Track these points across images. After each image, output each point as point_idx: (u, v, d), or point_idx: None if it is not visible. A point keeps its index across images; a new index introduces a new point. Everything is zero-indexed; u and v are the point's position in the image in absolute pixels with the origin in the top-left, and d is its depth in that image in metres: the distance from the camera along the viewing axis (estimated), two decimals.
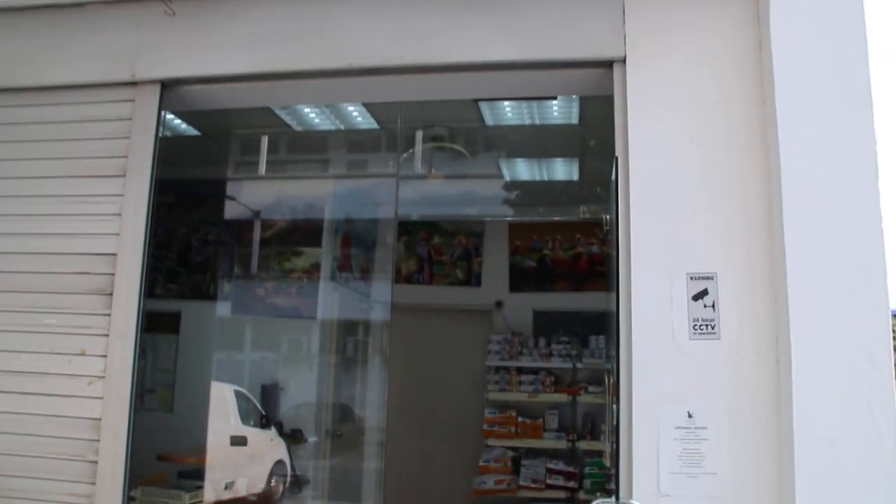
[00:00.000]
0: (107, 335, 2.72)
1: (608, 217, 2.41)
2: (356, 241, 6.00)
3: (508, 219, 6.71)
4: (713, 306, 2.23)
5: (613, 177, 2.38)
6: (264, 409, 5.82)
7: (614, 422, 2.27)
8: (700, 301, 2.24)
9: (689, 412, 2.18)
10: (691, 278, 2.25)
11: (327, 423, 5.50)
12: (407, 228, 6.95)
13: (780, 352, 2.13)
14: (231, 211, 5.91)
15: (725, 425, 2.16)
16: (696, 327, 2.23)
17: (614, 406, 2.22)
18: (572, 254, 6.44)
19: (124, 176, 2.85)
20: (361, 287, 6.43)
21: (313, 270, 5.55)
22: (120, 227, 2.83)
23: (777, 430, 2.12)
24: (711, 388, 2.19)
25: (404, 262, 6.75)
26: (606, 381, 2.18)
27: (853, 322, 2.07)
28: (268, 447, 6.00)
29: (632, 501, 2.02)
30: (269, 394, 5.87)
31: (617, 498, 2.05)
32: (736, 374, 2.18)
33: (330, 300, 5.61)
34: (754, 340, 2.19)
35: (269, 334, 5.96)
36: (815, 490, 2.00)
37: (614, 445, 2.21)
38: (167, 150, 3.02)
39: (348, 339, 6.00)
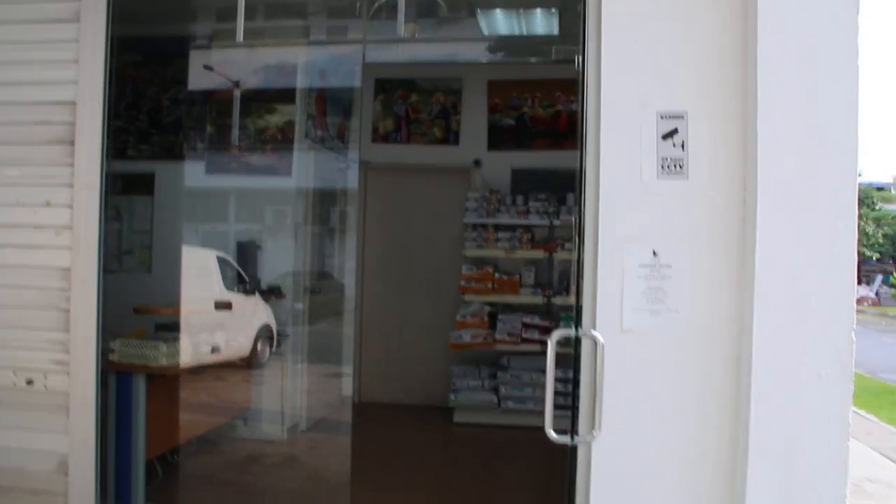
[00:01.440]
0: (71, 186, 2.69)
1: (579, 58, 2.33)
2: (331, 100, 5.86)
3: (488, 78, 6.55)
4: (682, 146, 2.21)
5: (582, 9, 2.29)
6: (243, 269, 5.88)
7: (579, 259, 2.30)
8: (669, 140, 2.22)
9: (654, 251, 2.21)
10: (661, 117, 2.22)
11: (305, 279, 5.56)
12: (384, 87, 6.79)
13: (747, 194, 2.13)
14: (207, 81, 5.71)
15: (689, 264, 2.19)
16: (664, 167, 2.21)
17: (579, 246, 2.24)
18: (552, 111, 6.35)
19: (78, 21, 2.73)
20: (338, 146, 6.35)
21: (288, 128, 5.44)
22: (77, 74, 2.73)
23: (740, 271, 2.16)
24: (677, 228, 2.20)
25: (381, 121, 6.64)
26: (573, 221, 2.17)
27: (821, 165, 2.06)
28: (252, 312, 6.12)
29: (592, 332, 2.07)
30: (247, 252, 5.91)
31: (577, 329, 2.09)
32: (702, 214, 2.19)
33: (305, 158, 5.54)
34: (722, 181, 2.19)
35: (245, 189, 5.92)
36: (772, 326, 2.06)
37: (579, 281, 2.24)
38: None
39: (323, 198, 5.98)
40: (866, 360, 10.71)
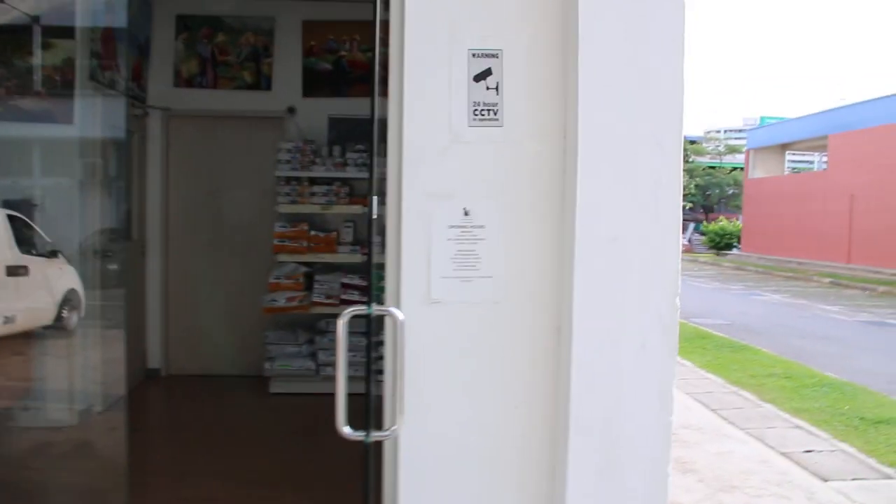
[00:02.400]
0: None
1: None
2: (122, 37, 5.11)
3: (302, 18, 6.02)
4: (497, 88, 1.92)
5: None
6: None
7: (370, 223, 1.96)
8: (482, 82, 1.92)
9: (465, 209, 1.92)
10: (473, 55, 1.91)
11: (94, 241, 4.87)
12: (186, 24, 6.06)
13: (568, 143, 1.88)
14: None
15: (505, 224, 1.92)
16: (476, 112, 1.91)
17: (375, 206, 1.90)
18: (371, 56, 5.93)
19: None
20: (133, 91, 5.59)
21: (67, 68, 4.65)
22: None
23: (560, 230, 1.91)
24: (491, 183, 1.92)
25: (184, 63, 5.93)
26: (369, 176, 1.83)
27: (645, 112, 1.83)
28: (58, 276, 5.33)
29: (391, 309, 1.75)
30: (20, 212, 5.10)
31: (370, 306, 1.77)
32: (519, 166, 1.92)
33: (91, 104, 4.79)
34: (540, 129, 1.93)
35: (18, 133, 5.07)
36: (593, 293, 1.84)
37: (370, 250, 1.91)
38: None
39: (117, 150, 5.25)
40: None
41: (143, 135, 5.69)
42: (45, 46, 5.01)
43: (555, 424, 1.93)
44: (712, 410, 6.02)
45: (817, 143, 29.99)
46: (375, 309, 1.75)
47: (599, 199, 1.83)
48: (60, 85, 4.60)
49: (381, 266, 2.00)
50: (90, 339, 5.10)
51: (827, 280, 21.14)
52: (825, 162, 31.22)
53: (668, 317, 1.84)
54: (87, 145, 4.91)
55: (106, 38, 4.90)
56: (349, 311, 1.67)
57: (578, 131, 1.82)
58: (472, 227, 1.92)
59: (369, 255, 1.75)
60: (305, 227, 5.65)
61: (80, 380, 4.99)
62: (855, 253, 24.50)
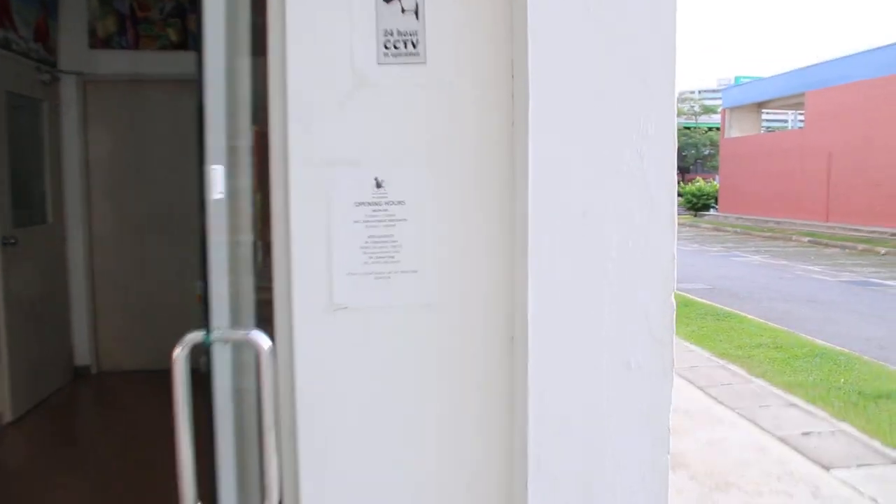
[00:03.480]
0: None
1: None
2: None
3: None
4: (416, 11, 1.36)
5: None
6: None
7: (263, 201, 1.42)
8: (395, 3, 1.36)
9: (377, 179, 1.38)
10: None
11: None
12: None
13: (517, 86, 1.34)
14: None
15: (433, 198, 1.39)
16: (388, 45, 1.36)
17: (216, 178, 1.36)
18: None
19: None
20: (38, 53, 4.92)
21: None
22: None
23: (509, 205, 1.38)
24: (412, 142, 1.38)
25: (100, 20, 5.26)
26: (252, 143, 1.26)
27: (623, 31, 1.29)
28: None
29: (249, 334, 1.21)
30: None
31: (208, 329, 1.23)
32: (450, 118, 1.38)
33: None
34: (478, 65, 1.38)
35: None
36: (557, 288, 1.32)
37: (204, 247, 1.37)
38: None
39: (21, 120, 4.60)
40: None
41: (56, 103, 5.03)
42: None
43: (510, 474, 1.42)
44: (699, 388, 5.58)
45: (794, 101, 29.62)
46: (219, 335, 1.19)
47: (561, 159, 1.29)
48: None
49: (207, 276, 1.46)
50: None
51: (806, 239, 20.86)
52: (801, 121, 30.92)
53: (659, 323, 1.32)
54: None
55: None
56: (188, 341, 1.12)
57: (529, 65, 1.27)
58: (387, 203, 1.38)
59: (203, 256, 1.19)
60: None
61: None
62: (833, 211, 24.29)
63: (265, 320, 1.46)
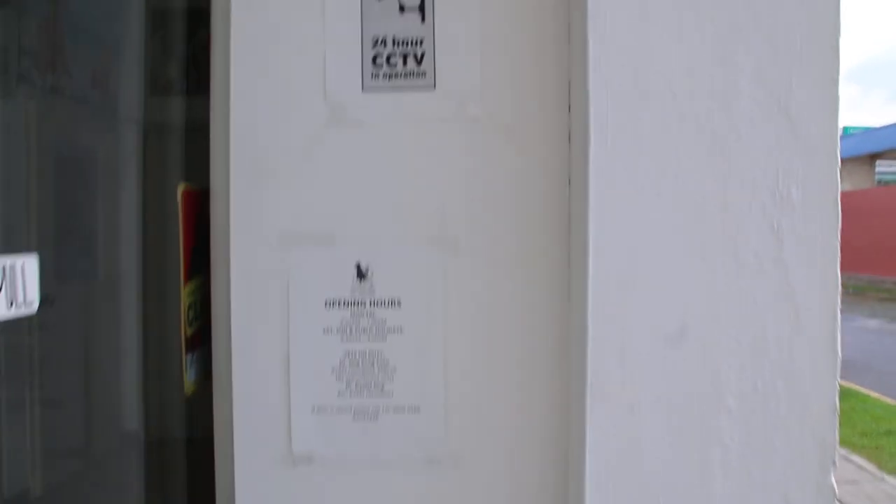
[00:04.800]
0: None
1: None
2: (75, 25, 4.27)
3: None
4: (421, 11, 0.90)
5: None
6: None
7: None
8: (392, 1, 0.90)
9: (360, 266, 0.89)
10: None
11: None
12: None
13: (576, 122, 0.83)
14: None
15: (445, 296, 0.90)
16: (379, 61, 0.90)
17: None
18: None
19: None
20: (94, 99, 4.75)
21: None
22: None
23: (561, 309, 0.87)
24: (414, 207, 0.90)
25: (160, 65, 5.06)
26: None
27: (749, 31, 0.78)
28: None
29: None
30: None
31: None
32: (475, 172, 0.90)
33: (14, 113, 3.94)
34: (517, 92, 0.89)
35: None
36: (626, 440, 0.80)
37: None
38: None
39: (75, 168, 4.40)
40: None
41: (111, 150, 4.85)
42: None
43: None
44: None
45: None
46: None
47: (644, 240, 0.78)
48: None
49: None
50: None
51: None
52: None
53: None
54: (14, 169, 4.05)
55: (48, 27, 4.07)
56: None
57: (593, 91, 0.78)
58: (374, 303, 0.90)
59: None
60: None
61: None
62: None
63: (202, 470, 0.99)
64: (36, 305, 0.67)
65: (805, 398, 0.78)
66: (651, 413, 0.79)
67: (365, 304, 0.90)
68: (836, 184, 0.76)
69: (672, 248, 0.77)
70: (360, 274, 0.90)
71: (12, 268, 0.63)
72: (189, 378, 0.96)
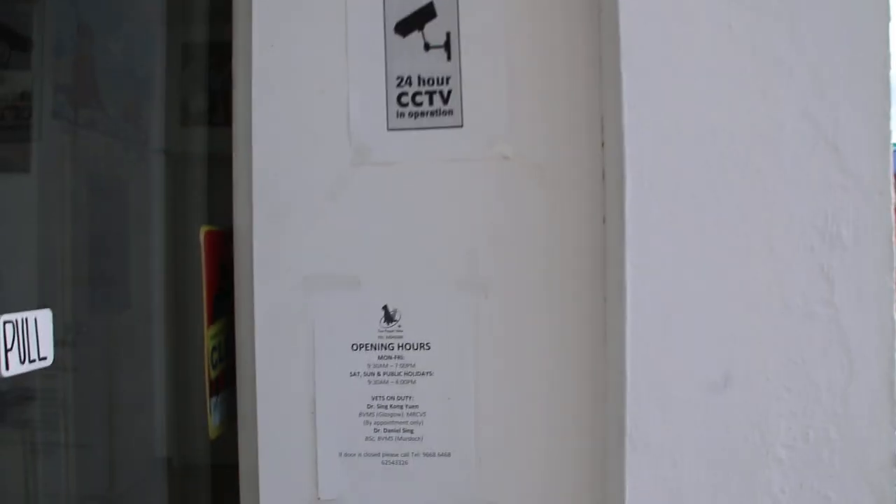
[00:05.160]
0: None
1: None
2: (107, 61, 4.33)
3: None
4: (447, 48, 0.87)
5: None
6: None
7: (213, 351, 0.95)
8: (415, 35, 0.88)
9: (387, 309, 0.87)
10: None
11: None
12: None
13: (609, 159, 0.79)
14: None
15: (476, 339, 0.86)
16: (405, 101, 0.87)
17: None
18: None
19: None
20: (127, 131, 4.81)
21: (25, 103, 3.89)
22: None
23: (596, 355, 0.83)
24: (443, 249, 0.87)
25: (191, 97, 5.11)
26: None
27: (794, 56, 0.74)
28: None
29: None
30: None
31: None
32: (505, 212, 0.87)
33: (58, 146, 4.00)
34: (549, 130, 0.86)
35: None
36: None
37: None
38: None
39: (108, 200, 4.45)
40: None
41: (144, 182, 4.90)
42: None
43: None
44: None
45: None
46: None
47: (684, 285, 0.74)
48: (19, 124, 3.83)
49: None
50: None
51: None
52: None
53: None
54: (53, 196, 4.11)
55: (83, 63, 4.13)
56: None
57: (628, 127, 0.74)
58: (403, 346, 0.87)
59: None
60: None
61: None
62: None
63: None
64: (51, 360, 0.65)
65: (861, 447, 0.73)
66: (694, 465, 0.75)
67: (393, 347, 0.87)
68: (889, 221, 0.72)
69: (714, 290, 0.73)
70: (388, 317, 0.87)
71: (25, 322, 0.61)
72: (214, 422, 0.93)
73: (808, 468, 0.74)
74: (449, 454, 0.87)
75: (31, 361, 0.61)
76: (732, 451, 0.74)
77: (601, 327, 0.83)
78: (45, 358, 0.64)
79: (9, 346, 0.58)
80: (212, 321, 0.93)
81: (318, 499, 0.89)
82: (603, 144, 0.84)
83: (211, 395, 0.93)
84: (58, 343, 0.83)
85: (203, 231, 0.91)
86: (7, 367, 0.58)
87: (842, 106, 0.72)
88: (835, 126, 0.72)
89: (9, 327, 0.59)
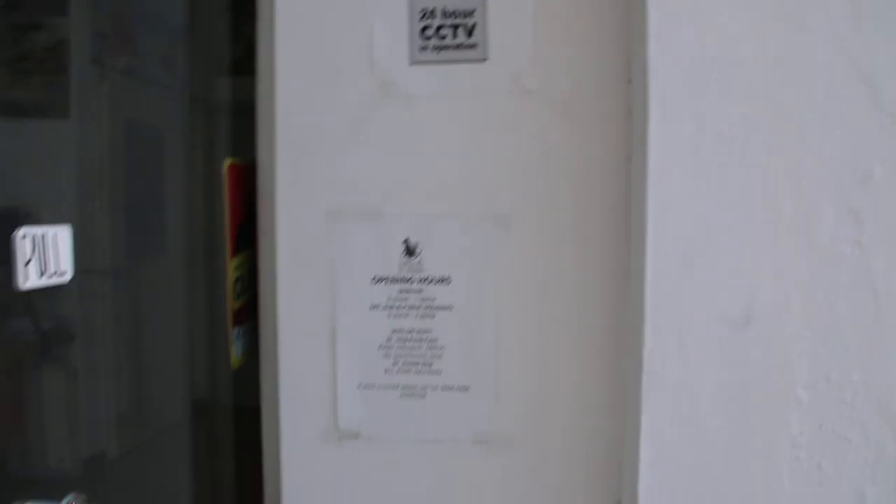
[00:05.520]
0: None
1: None
2: (142, 10, 4.33)
3: None
4: None
5: None
6: None
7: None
8: None
9: (408, 242, 0.87)
10: None
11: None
12: None
13: (636, 95, 0.77)
14: None
15: (496, 273, 0.86)
16: (429, 34, 0.86)
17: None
18: None
19: None
20: (165, 80, 4.83)
21: (62, 50, 3.92)
22: None
23: (618, 289, 0.82)
24: (465, 183, 0.86)
25: (228, 46, 5.10)
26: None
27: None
28: None
29: None
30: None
31: None
32: (529, 147, 0.85)
33: (96, 93, 4.03)
34: (574, 64, 0.84)
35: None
36: (686, 430, 0.76)
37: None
38: None
39: (145, 148, 4.49)
40: None
41: (182, 130, 4.93)
42: (36, 28, 4.30)
43: None
44: None
45: None
46: None
47: (708, 220, 0.73)
48: (57, 71, 3.87)
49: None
50: None
51: None
52: None
53: None
54: (87, 144, 4.16)
55: (118, 12, 4.14)
56: None
57: (653, 61, 0.73)
58: (423, 280, 0.88)
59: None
60: None
61: None
62: None
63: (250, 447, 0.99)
64: (69, 276, 0.66)
65: (885, 390, 0.72)
66: (712, 403, 0.74)
67: (413, 280, 0.88)
68: None
69: (739, 227, 0.72)
70: (409, 250, 0.87)
71: (44, 238, 0.62)
72: (236, 352, 0.95)
73: (829, 410, 0.73)
74: (467, 388, 0.88)
75: (49, 276, 0.63)
76: (751, 391, 0.74)
77: (624, 264, 0.83)
78: (63, 273, 0.65)
79: (28, 259, 0.59)
80: (235, 252, 0.94)
81: (338, 429, 0.90)
82: (630, 81, 0.82)
83: (233, 326, 0.95)
84: (97, 277, 0.84)
85: (226, 163, 0.92)
86: (27, 279, 0.59)
87: (879, 39, 0.70)
88: (871, 60, 0.70)
89: (28, 241, 0.60)
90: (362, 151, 0.87)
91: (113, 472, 0.91)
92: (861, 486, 0.74)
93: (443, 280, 0.87)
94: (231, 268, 0.93)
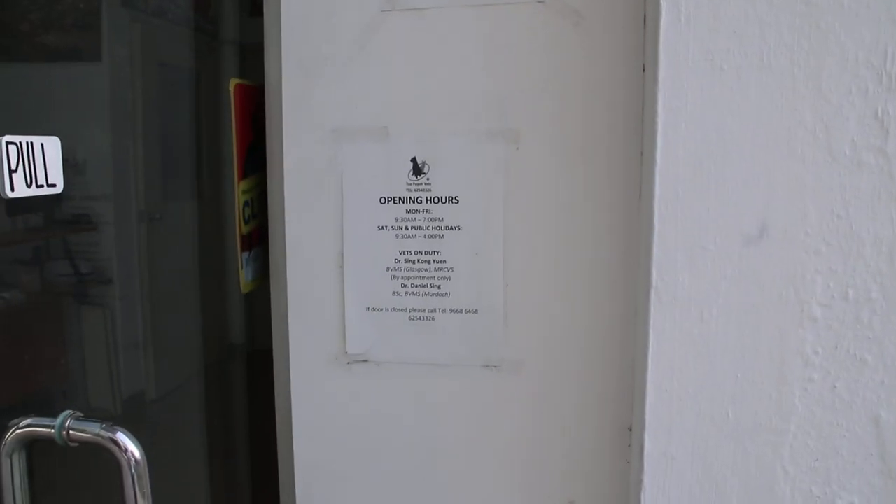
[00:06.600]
0: None
1: None
2: None
3: None
4: None
5: None
6: None
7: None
8: None
9: (416, 161, 0.85)
10: None
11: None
12: None
13: (650, 10, 0.73)
14: None
15: (507, 193, 0.84)
16: None
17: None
18: None
19: None
20: (196, 21, 4.82)
21: None
22: None
23: (629, 209, 0.79)
24: (476, 100, 0.84)
25: None
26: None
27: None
28: None
29: (118, 436, 0.70)
30: None
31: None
32: (541, 63, 0.82)
33: (126, 36, 4.04)
34: None
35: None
36: (695, 348, 0.73)
37: None
38: None
39: (176, 90, 4.51)
40: None
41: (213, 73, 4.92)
42: None
43: None
44: None
45: None
46: (74, 428, 0.69)
47: (719, 129, 0.70)
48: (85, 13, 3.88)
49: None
50: None
51: None
52: None
53: None
54: (118, 84, 4.19)
55: None
56: (15, 433, 0.65)
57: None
58: (431, 199, 0.86)
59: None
60: None
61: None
62: None
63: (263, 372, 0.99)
64: (60, 187, 0.65)
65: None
66: (723, 321, 0.72)
67: (421, 200, 0.86)
68: None
69: (754, 135, 0.68)
70: (417, 169, 0.86)
71: (31, 146, 0.61)
72: (246, 277, 0.95)
73: (846, 329, 0.71)
74: (476, 311, 0.87)
75: (38, 186, 0.62)
76: (764, 308, 0.71)
77: (636, 181, 0.80)
78: (53, 185, 0.64)
79: (13, 168, 0.59)
80: (243, 175, 0.93)
81: (346, 353, 0.90)
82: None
83: (242, 251, 0.94)
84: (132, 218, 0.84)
85: (233, 84, 0.90)
86: (13, 189, 0.59)
87: None
88: None
89: (12, 148, 0.59)
90: (369, 67, 0.85)
91: (153, 412, 0.92)
92: (875, 409, 0.71)
93: (451, 199, 0.85)
94: (239, 191, 0.92)
